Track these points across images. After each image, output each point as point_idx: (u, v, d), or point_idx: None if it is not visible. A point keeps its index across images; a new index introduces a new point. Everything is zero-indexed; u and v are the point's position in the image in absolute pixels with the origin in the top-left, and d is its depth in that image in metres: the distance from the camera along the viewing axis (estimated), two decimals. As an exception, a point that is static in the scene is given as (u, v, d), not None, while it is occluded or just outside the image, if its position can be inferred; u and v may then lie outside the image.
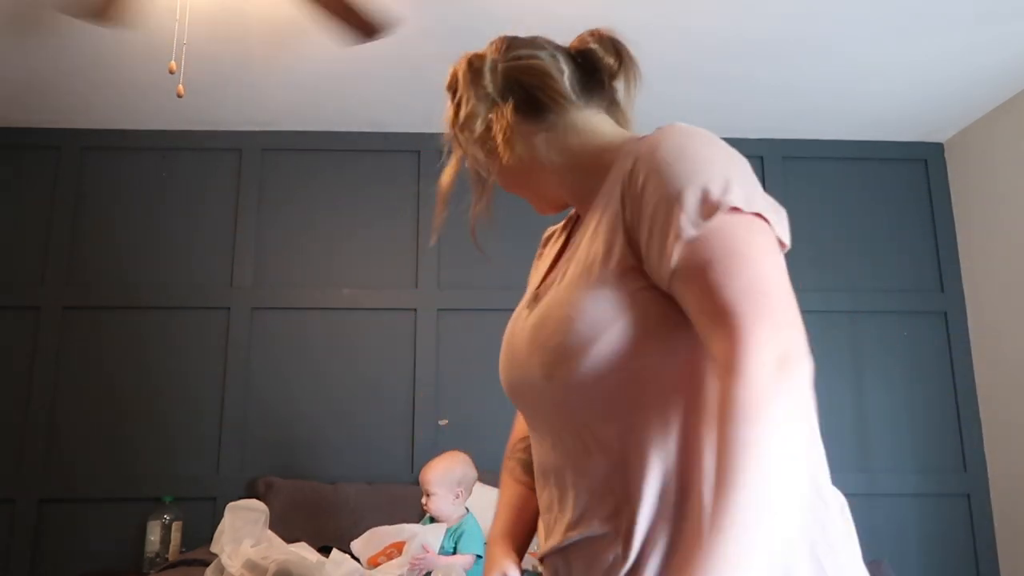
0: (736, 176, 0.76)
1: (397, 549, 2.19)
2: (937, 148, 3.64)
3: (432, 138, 3.51)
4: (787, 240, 0.78)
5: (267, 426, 3.26)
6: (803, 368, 0.68)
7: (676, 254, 0.73)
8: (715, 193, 0.74)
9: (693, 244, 0.73)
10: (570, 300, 0.82)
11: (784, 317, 0.70)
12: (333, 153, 3.53)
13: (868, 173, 3.60)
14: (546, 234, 1.15)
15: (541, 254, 1.11)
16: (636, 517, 0.77)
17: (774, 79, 3.07)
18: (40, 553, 3.10)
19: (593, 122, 0.97)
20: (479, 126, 0.97)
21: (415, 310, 3.38)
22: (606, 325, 0.78)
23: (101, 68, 2.98)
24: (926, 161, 3.62)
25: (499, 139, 0.96)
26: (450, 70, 1.02)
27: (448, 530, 2.32)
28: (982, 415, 3.36)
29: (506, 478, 1.11)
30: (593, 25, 1.00)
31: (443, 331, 3.37)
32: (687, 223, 0.73)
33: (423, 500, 2.36)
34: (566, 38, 1.02)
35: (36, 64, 2.94)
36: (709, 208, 0.74)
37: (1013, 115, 3.21)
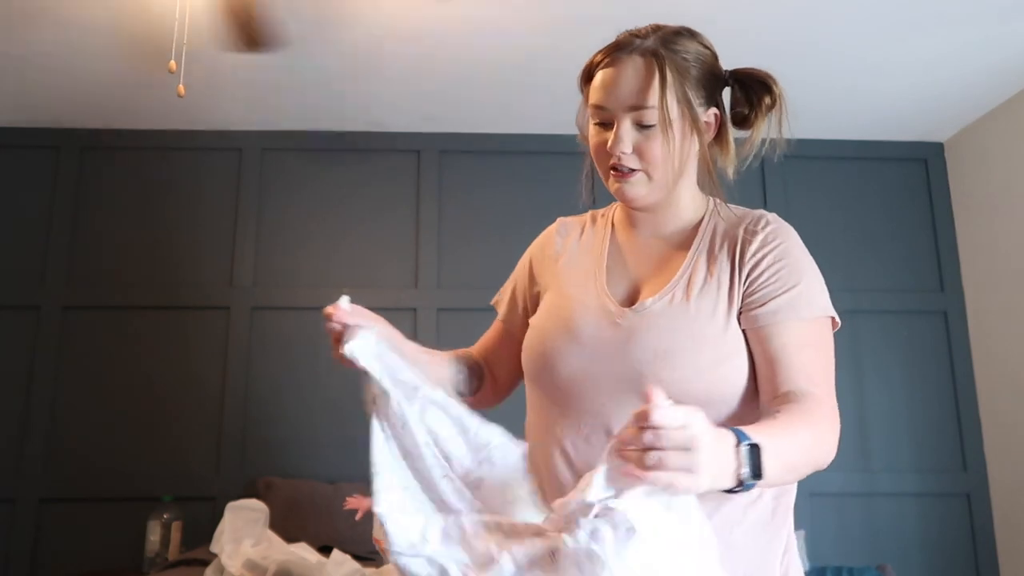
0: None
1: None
2: (937, 148, 3.64)
3: (432, 138, 3.51)
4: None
5: (267, 426, 3.26)
6: None
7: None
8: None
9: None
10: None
11: None
12: (333, 153, 3.53)
13: (868, 173, 3.60)
14: (561, 222, 1.21)
15: (552, 242, 1.18)
16: None
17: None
18: (40, 553, 3.10)
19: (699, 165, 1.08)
20: (697, 98, 1.05)
21: (415, 310, 3.38)
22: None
23: (101, 68, 2.98)
24: (926, 161, 3.62)
25: (693, 123, 1.04)
26: (697, 35, 1.12)
27: None
28: (982, 415, 3.36)
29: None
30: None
31: (443, 331, 3.37)
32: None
33: None
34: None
35: (36, 64, 2.94)
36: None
37: (1013, 115, 3.21)
